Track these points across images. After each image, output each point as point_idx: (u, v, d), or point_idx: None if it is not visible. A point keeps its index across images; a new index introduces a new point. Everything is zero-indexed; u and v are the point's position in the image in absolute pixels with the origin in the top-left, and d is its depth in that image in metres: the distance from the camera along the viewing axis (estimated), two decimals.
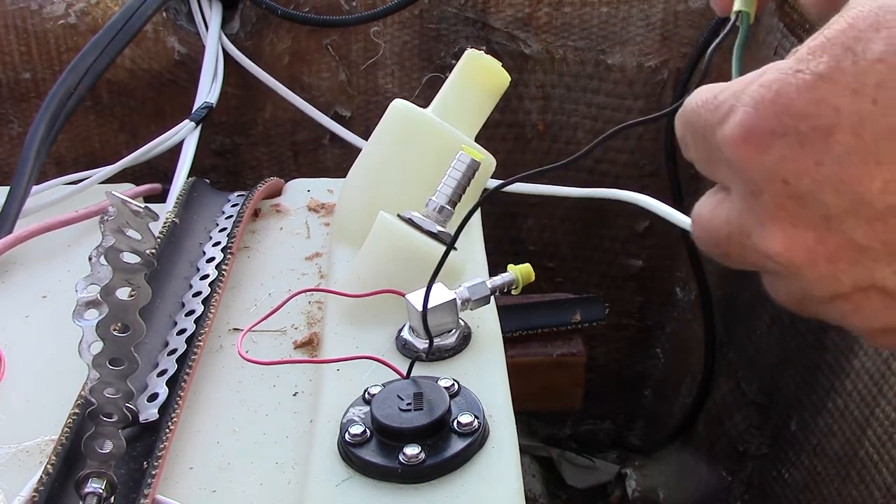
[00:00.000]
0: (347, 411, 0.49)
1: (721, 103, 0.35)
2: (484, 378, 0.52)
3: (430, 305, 0.52)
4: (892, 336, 0.35)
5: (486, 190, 0.58)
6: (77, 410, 0.51)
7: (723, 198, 0.37)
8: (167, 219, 0.67)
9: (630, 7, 0.97)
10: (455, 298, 0.53)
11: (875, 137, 0.31)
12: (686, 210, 1.02)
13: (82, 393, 0.52)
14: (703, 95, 0.37)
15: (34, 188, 0.75)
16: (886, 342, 0.36)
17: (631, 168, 1.03)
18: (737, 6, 0.45)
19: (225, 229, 0.69)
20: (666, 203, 0.74)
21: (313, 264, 0.67)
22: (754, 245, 0.35)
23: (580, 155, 0.46)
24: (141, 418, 0.51)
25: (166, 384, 0.53)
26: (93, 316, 0.46)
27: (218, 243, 0.67)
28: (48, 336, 0.60)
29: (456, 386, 0.49)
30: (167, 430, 0.50)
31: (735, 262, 0.38)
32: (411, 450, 0.45)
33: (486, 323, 0.56)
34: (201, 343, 0.57)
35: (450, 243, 0.53)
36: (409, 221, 0.57)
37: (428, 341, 0.53)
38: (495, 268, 0.59)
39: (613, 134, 0.45)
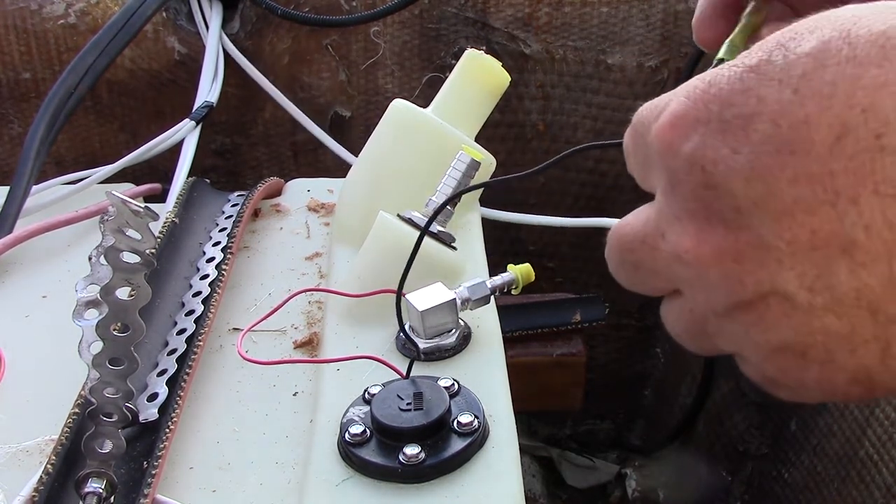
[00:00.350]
0: (347, 411, 0.49)
1: (660, 101, 0.35)
2: (484, 378, 0.52)
3: (429, 305, 0.52)
4: (786, 357, 0.33)
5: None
6: (77, 410, 0.51)
7: (647, 205, 0.37)
8: (167, 219, 0.67)
9: (630, 7, 0.97)
10: (455, 298, 0.53)
11: (791, 126, 0.31)
12: None
13: (82, 393, 0.52)
14: (651, 101, 0.37)
15: (34, 188, 0.75)
16: (778, 366, 0.34)
17: None
18: (721, 53, 0.43)
19: (225, 229, 0.69)
20: None
21: (313, 264, 0.67)
22: (666, 245, 0.35)
23: (538, 170, 0.47)
24: (141, 418, 0.51)
25: (166, 384, 0.53)
26: (93, 316, 0.46)
27: (218, 243, 0.67)
28: (48, 336, 0.60)
29: (456, 386, 0.49)
30: (167, 430, 0.50)
31: (644, 273, 0.38)
32: (411, 450, 0.45)
33: (486, 323, 0.56)
34: (201, 343, 0.57)
35: (425, 228, 0.52)
36: (409, 221, 0.57)
37: (401, 333, 0.53)
38: (495, 268, 0.59)
39: (570, 154, 0.45)
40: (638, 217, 0.37)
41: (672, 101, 0.34)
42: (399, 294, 0.52)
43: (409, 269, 0.51)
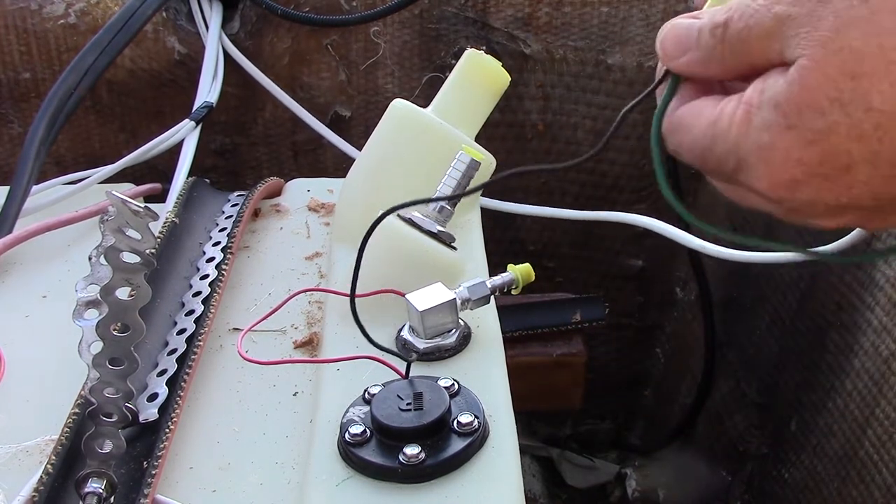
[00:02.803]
0: (347, 411, 0.49)
1: (724, 157, 0.40)
2: (484, 378, 0.52)
3: (429, 305, 0.52)
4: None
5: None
6: (77, 410, 0.51)
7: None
8: (167, 219, 0.67)
9: (630, 7, 0.97)
10: (455, 298, 0.53)
11: (890, 163, 0.36)
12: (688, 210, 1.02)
13: (82, 393, 0.52)
14: (693, 149, 0.41)
15: (34, 188, 0.75)
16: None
17: (631, 168, 1.04)
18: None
19: (225, 229, 0.69)
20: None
21: (313, 264, 0.67)
22: (809, 223, 0.41)
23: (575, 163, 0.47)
24: (141, 418, 0.51)
25: (166, 384, 0.53)
26: (93, 316, 0.46)
27: (218, 243, 0.67)
28: (48, 336, 0.60)
29: (456, 386, 0.49)
30: (167, 430, 0.50)
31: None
32: (411, 450, 0.45)
33: (486, 323, 0.56)
34: (201, 343, 0.57)
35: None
36: (409, 221, 0.57)
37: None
38: (495, 268, 0.59)
39: (620, 124, 0.45)
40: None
41: (752, 169, 0.39)
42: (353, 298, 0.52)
43: (365, 244, 0.50)
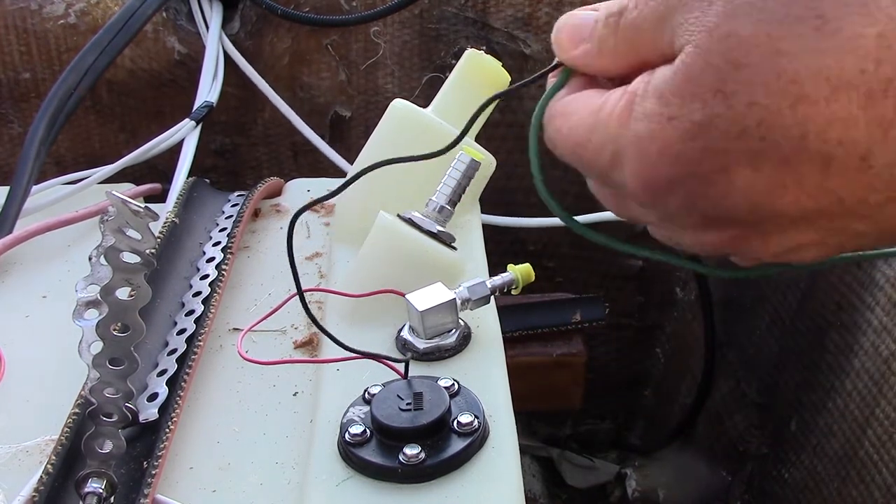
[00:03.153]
0: (347, 411, 0.49)
1: (599, 148, 0.37)
2: (484, 378, 0.52)
3: (429, 305, 0.52)
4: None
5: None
6: (77, 410, 0.51)
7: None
8: (167, 219, 0.67)
9: None
10: (455, 298, 0.53)
11: (774, 167, 0.32)
12: None
13: (82, 393, 0.52)
14: (569, 137, 0.38)
15: (34, 188, 0.75)
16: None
17: None
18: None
19: (225, 229, 0.69)
20: None
21: (313, 264, 0.67)
22: (679, 240, 0.39)
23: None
24: (141, 418, 0.51)
25: (166, 384, 0.53)
26: (93, 316, 0.46)
27: (218, 243, 0.67)
28: (48, 336, 0.60)
29: (456, 386, 0.49)
30: (167, 430, 0.50)
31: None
32: (411, 450, 0.45)
33: (486, 323, 0.56)
34: (201, 343, 0.57)
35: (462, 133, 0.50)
36: (409, 221, 0.57)
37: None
38: (495, 268, 0.59)
39: (483, 108, 0.46)
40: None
41: (626, 163, 0.36)
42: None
43: (294, 223, 0.49)
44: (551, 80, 0.41)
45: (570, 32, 0.39)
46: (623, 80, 0.37)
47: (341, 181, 0.69)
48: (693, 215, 0.35)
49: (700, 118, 0.32)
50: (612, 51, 0.38)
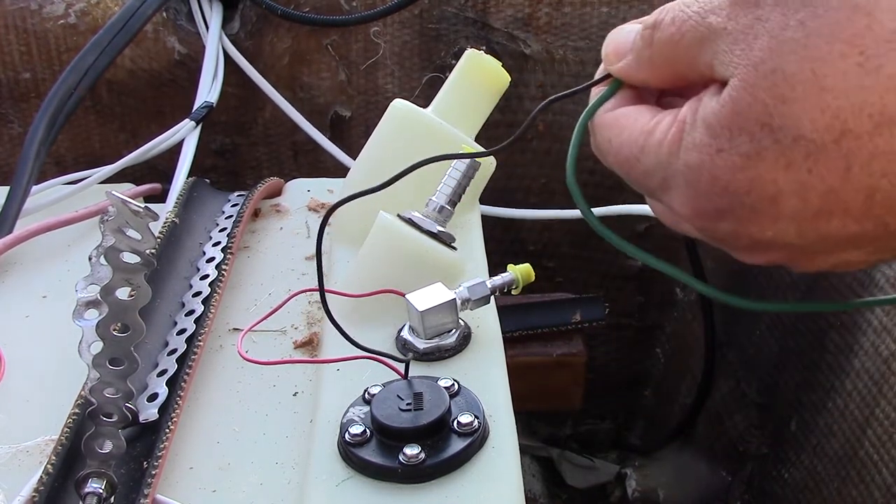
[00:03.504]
0: (347, 411, 0.49)
1: (650, 172, 0.38)
2: (484, 378, 0.52)
3: (429, 305, 0.52)
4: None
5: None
6: (77, 410, 0.51)
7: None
8: (167, 219, 0.67)
9: (630, 7, 0.97)
10: (455, 298, 0.53)
11: (820, 197, 0.34)
12: None
13: (82, 393, 0.52)
14: (620, 152, 0.40)
15: (34, 188, 0.75)
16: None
17: None
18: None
19: (225, 229, 0.69)
20: None
21: (313, 264, 0.67)
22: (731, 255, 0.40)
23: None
24: (141, 418, 0.51)
25: (166, 384, 0.53)
26: (93, 316, 0.46)
27: (218, 243, 0.67)
28: (48, 336, 0.60)
29: (456, 386, 0.49)
30: (167, 430, 0.50)
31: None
32: (411, 450, 0.45)
33: (486, 323, 0.56)
34: (201, 343, 0.57)
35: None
36: (409, 221, 0.57)
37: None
38: (495, 268, 0.59)
39: (538, 113, 0.46)
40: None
41: (674, 190, 0.37)
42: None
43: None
44: (595, 92, 0.43)
45: (616, 45, 0.41)
46: (666, 92, 0.40)
47: (342, 181, 0.70)
48: (742, 239, 0.37)
49: (748, 150, 0.34)
50: (648, 63, 0.39)
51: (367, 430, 0.47)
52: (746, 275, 0.97)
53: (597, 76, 0.43)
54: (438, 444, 0.46)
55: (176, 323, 0.59)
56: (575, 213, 0.85)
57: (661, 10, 0.38)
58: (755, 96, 0.33)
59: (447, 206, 0.57)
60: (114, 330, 0.43)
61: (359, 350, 0.50)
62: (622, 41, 0.41)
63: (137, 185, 0.80)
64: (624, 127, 0.40)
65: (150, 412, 0.51)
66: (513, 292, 0.56)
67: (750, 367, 0.95)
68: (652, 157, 0.38)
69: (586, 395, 0.91)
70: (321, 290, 0.50)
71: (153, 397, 0.52)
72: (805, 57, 0.32)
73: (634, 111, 0.40)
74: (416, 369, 0.51)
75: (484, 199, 0.71)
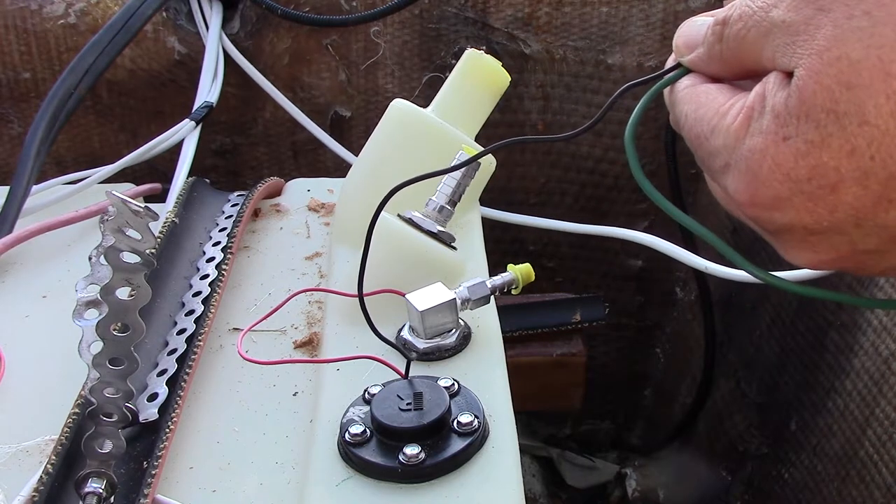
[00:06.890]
0: (347, 411, 0.49)
1: (715, 153, 0.39)
2: (484, 378, 0.52)
3: (429, 305, 0.52)
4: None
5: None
6: (77, 410, 0.51)
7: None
8: (167, 218, 0.67)
9: (630, 7, 0.97)
10: (455, 298, 0.53)
11: (881, 184, 0.34)
12: (687, 210, 1.02)
13: (82, 393, 0.52)
14: (693, 127, 0.41)
15: (34, 188, 0.75)
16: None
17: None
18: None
19: (225, 229, 0.69)
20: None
21: (313, 264, 0.67)
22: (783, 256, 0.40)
23: (583, 130, 0.48)
24: (141, 418, 0.51)
25: (166, 384, 0.53)
26: (93, 316, 0.46)
27: (218, 243, 0.67)
28: (48, 336, 0.60)
29: (456, 386, 0.49)
30: (167, 430, 0.50)
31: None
32: (411, 450, 0.45)
33: (486, 323, 0.56)
34: (201, 343, 0.57)
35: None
36: (410, 221, 0.57)
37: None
38: (495, 268, 0.59)
39: (617, 98, 0.46)
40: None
41: (735, 175, 0.38)
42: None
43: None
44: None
45: (686, 38, 0.42)
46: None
47: (342, 181, 0.70)
48: (796, 232, 0.37)
49: (813, 137, 0.34)
50: (719, 57, 0.40)
51: (367, 430, 0.47)
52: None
53: (667, 65, 0.44)
54: (438, 443, 0.46)
55: (176, 323, 0.59)
56: (574, 226, 0.85)
57: (731, 7, 0.39)
58: (821, 83, 0.34)
59: (447, 206, 0.57)
60: (114, 330, 0.43)
61: (378, 343, 0.50)
62: (693, 34, 0.42)
63: (137, 185, 0.80)
64: (701, 104, 0.40)
65: (150, 412, 0.51)
66: (513, 292, 0.56)
67: (750, 367, 0.95)
68: (720, 140, 0.38)
69: (586, 395, 0.91)
70: (360, 291, 0.50)
71: (153, 397, 0.52)
72: (871, 44, 0.33)
73: (715, 89, 0.41)
74: (416, 369, 0.51)
75: (484, 199, 0.71)
